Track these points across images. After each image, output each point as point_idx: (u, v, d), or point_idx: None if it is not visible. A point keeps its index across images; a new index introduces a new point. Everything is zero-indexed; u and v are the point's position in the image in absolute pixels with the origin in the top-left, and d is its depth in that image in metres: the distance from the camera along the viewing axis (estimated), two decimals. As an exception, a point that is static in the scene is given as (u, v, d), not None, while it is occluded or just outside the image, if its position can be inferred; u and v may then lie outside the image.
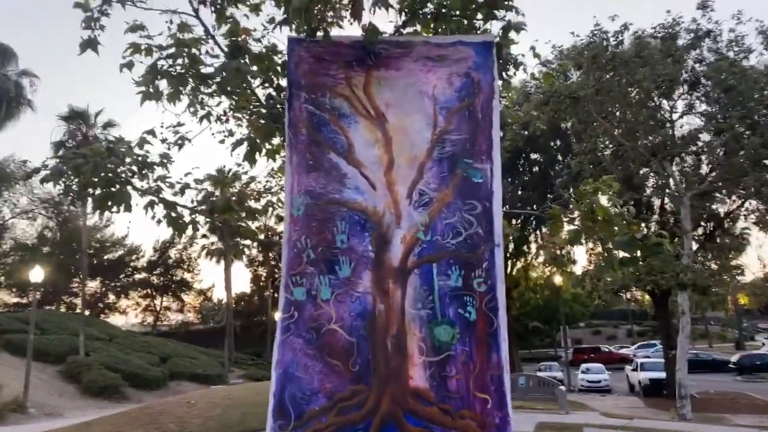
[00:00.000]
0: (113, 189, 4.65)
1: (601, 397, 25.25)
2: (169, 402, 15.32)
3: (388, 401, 3.49)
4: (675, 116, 19.78)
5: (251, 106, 4.52)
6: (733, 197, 21.49)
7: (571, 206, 4.67)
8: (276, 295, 46.22)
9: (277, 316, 3.78)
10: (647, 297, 29.98)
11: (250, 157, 4.60)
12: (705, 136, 19.56)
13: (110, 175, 4.63)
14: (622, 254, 4.16)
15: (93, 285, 48.24)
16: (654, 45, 18.31)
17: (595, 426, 11.63)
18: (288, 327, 3.62)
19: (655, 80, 17.39)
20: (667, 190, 20.75)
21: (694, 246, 20.07)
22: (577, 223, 4.34)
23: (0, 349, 27.12)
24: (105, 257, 48.76)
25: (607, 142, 21.10)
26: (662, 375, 24.53)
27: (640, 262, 16.37)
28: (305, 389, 3.48)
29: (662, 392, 23.89)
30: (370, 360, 3.59)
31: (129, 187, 4.75)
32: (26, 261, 35.95)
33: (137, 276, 51.74)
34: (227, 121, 4.70)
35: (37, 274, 20.59)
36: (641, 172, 21.06)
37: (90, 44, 4.27)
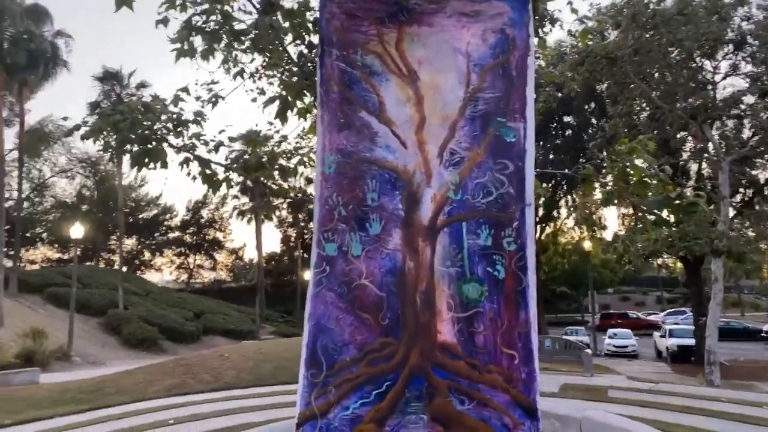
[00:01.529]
0: (150, 146, 4.76)
1: (627, 362, 25.24)
2: (204, 355, 15.97)
3: (417, 354, 3.59)
4: (717, 78, 18.99)
5: (283, 63, 4.53)
6: (776, 162, 20.70)
7: (604, 168, 4.59)
8: (305, 255, 47.04)
9: (307, 274, 3.87)
10: (679, 264, 29.45)
11: (281, 115, 4.64)
12: (749, 99, 18.75)
13: (147, 132, 4.73)
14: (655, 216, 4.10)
15: (129, 242, 49.88)
16: (698, 2, 17.44)
17: (621, 389, 11.68)
18: (320, 281, 3.71)
19: (698, 39, 16.63)
20: (705, 155, 20.11)
21: (731, 212, 19.54)
22: (610, 184, 4.28)
23: (44, 300, 28.51)
24: (140, 216, 50.22)
25: (644, 105, 20.42)
26: (691, 342, 24.32)
27: (674, 228, 16.09)
28: (337, 340, 3.59)
29: (690, 359, 23.75)
30: (400, 314, 3.67)
31: (165, 144, 4.85)
32: (66, 218, 37.24)
33: (171, 235, 53.26)
34: (260, 78, 4.74)
35: (77, 230, 21.37)
36: (678, 135, 20.39)
37: (125, 1, 4.31)
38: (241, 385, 12.30)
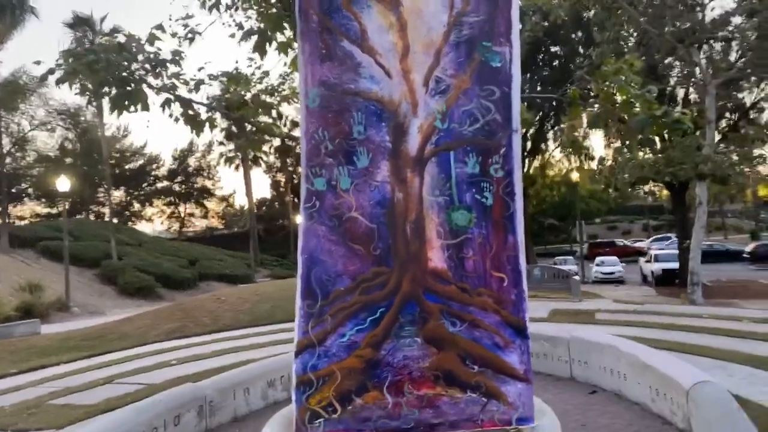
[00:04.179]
0: (129, 88, 4.65)
1: (614, 288, 26.03)
2: (201, 299, 16.25)
3: (409, 281, 3.69)
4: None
5: (260, -7, 4.37)
6: (762, 84, 20.63)
7: (592, 93, 4.56)
8: (296, 200, 46.96)
9: (299, 217, 3.88)
10: (665, 191, 29.86)
11: (260, 49, 4.53)
12: (737, 20, 18.46)
13: (124, 73, 4.62)
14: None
15: (118, 194, 49.44)
16: None
17: (607, 311, 12.11)
18: (311, 215, 3.75)
19: (688, -43, 16.15)
20: (693, 80, 19.97)
21: (717, 137, 19.62)
22: (596, 106, 4.27)
23: (37, 255, 28.53)
24: (126, 167, 49.59)
25: (632, 31, 20.05)
26: (675, 265, 24.99)
27: (660, 155, 16.21)
28: (330, 271, 3.67)
29: (674, 282, 24.49)
30: (391, 244, 3.74)
31: (144, 86, 4.75)
32: (50, 172, 36.63)
33: (159, 184, 52.82)
34: (236, 10, 4.58)
35: (63, 183, 21.15)
36: (666, 61, 20.16)
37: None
38: (239, 326, 12.60)
